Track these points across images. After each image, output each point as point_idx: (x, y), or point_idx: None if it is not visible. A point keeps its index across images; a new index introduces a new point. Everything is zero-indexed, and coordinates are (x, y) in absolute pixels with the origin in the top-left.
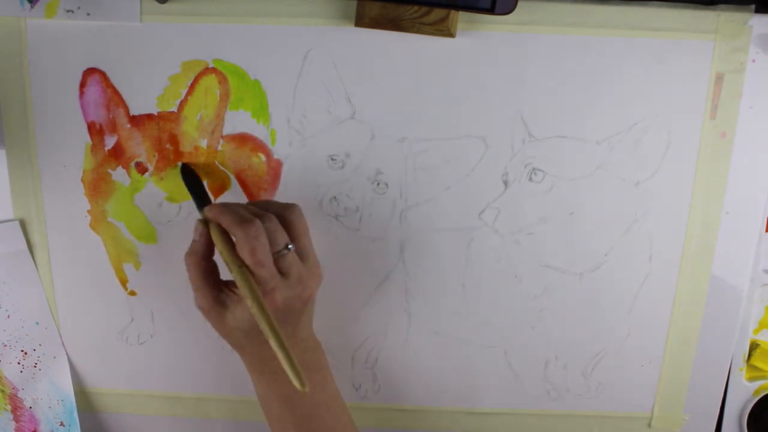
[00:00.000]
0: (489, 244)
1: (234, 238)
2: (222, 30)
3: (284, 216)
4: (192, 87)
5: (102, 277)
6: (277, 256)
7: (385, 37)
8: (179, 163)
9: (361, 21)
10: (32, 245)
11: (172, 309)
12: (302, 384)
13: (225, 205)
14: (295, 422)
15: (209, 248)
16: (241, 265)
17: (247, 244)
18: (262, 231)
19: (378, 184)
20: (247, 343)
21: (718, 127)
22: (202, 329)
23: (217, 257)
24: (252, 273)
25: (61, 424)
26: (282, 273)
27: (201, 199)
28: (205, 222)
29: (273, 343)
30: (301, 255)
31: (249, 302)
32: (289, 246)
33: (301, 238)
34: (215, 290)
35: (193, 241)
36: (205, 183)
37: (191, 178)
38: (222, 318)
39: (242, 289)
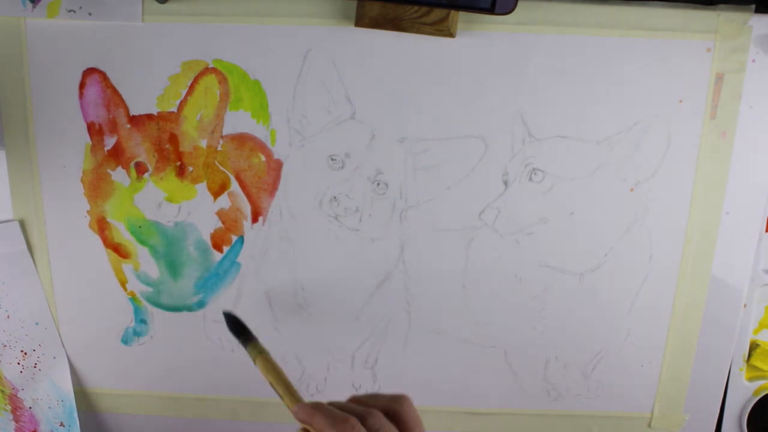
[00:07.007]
0: (489, 244)
1: None
2: (222, 30)
3: (392, 409)
4: (192, 87)
5: (102, 277)
6: None
7: (385, 37)
8: (223, 312)
9: (361, 21)
10: (32, 245)
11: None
12: None
13: (316, 406)
14: None
15: None
16: None
17: None
18: (359, 430)
19: (378, 184)
20: None
21: (718, 127)
22: (201, 329)
23: None
24: None
25: (61, 424)
26: None
27: (248, 339)
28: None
29: None
30: None
31: None
32: None
33: None
34: None
35: None
36: (205, 182)
37: (236, 325)
38: None
39: None
